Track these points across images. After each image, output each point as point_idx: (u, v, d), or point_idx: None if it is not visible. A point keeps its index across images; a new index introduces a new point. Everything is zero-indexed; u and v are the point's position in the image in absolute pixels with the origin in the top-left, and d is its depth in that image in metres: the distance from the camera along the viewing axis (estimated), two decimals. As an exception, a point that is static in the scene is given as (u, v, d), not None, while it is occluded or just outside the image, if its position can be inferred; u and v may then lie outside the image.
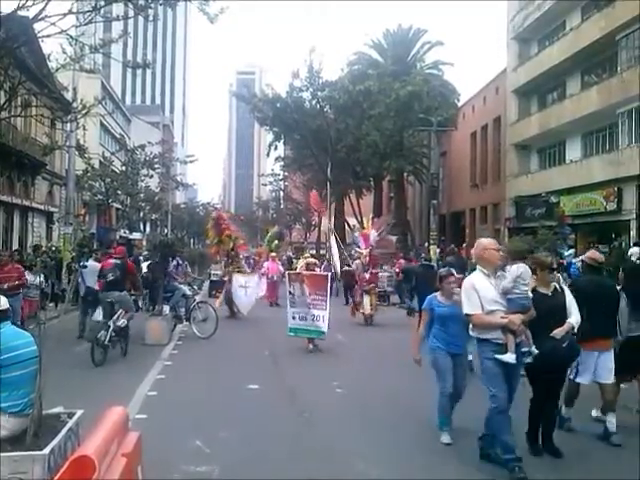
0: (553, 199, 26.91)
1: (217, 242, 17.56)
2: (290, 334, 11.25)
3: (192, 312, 12.88)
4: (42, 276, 14.72)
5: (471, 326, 5.28)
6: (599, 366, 5.94)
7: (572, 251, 20.89)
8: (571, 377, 6.02)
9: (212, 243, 18.08)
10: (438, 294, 6.16)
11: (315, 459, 5.31)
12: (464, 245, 29.87)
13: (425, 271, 14.59)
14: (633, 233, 23.19)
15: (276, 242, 24.63)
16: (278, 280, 19.52)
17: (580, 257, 9.84)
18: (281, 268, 20.60)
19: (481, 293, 5.09)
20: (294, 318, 11.27)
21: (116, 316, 10.18)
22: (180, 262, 14.87)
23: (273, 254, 21.46)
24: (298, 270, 16.33)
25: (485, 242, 5.43)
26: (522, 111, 33.06)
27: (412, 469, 5.11)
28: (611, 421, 5.85)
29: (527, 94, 33.21)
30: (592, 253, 6.80)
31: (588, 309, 5.71)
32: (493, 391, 4.98)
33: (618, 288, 6.48)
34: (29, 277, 12.78)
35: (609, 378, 5.92)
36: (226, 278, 17.23)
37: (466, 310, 5.17)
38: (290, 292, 11.51)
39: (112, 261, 11.07)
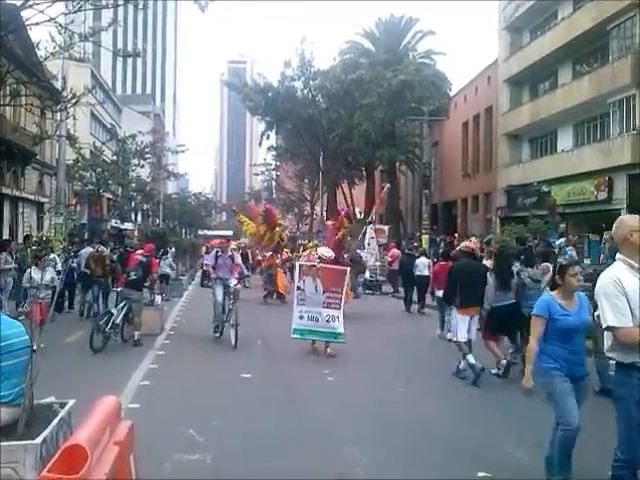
0: (544, 188, 27.00)
1: (270, 234, 18.08)
2: (295, 336, 9.82)
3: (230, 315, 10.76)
4: (51, 272, 12.51)
5: (609, 343, 3.71)
6: (471, 328, 7.93)
7: (563, 240, 21.01)
8: (449, 337, 8.20)
9: (265, 235, 18.23)
10: (557, 295, 4.44)
11: (307, 447, 5.35)
12: (455, 234, 30.02)
13: (408, 260, 16.20)
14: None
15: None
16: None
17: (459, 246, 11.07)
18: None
19: (631, 295, 3.54)
20: (301, 318, 9.80)
21: (121, 311, 10.36)
22: (219, 252, 11.82)
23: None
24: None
25: (629, 221, 3.81)
26: (514, 101, 33.06)
27: (397, 453, 5.16)
28: (469, 359, 7.67)
29: (519, 84, 33.20)
30: (467, 243, 9.43)
31: (462, 284, 7.84)
32: (625, 438, 3.60)
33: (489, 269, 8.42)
34: (35, 275, 10.94)
35: (473, 335, 8.06)
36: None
37: (610, 321, 3.55)
38: (299, 287, 10.00)
39: (137, 258, 11.07)
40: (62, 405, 3.57)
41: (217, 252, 11.84)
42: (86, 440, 2.05)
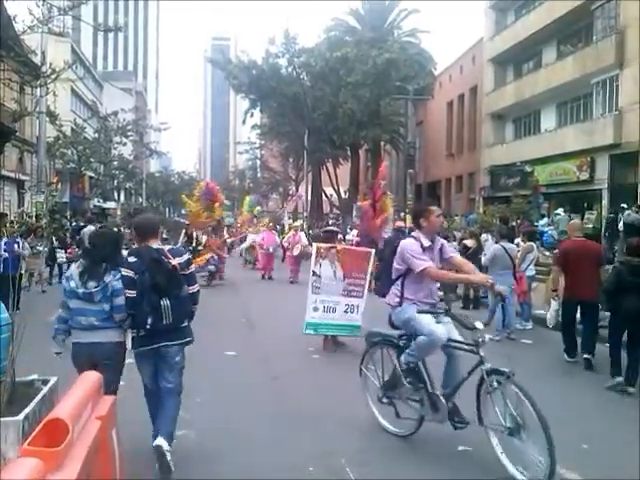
0: (527, 168, 27.18)
1: (209, 211, 17.36)
2: (309, 332, 8.46)
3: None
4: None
5: None
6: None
7: (545, 220, 21.23)
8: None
9: (203, 214, 17.24)
10: None
11: (290, 423, 5.41)
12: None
13: (396, 237, 17.65)
14: (605, 202, 23.59)
15: (258, 208, 24.40)
16: (274, 252, 19.07)
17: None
18: (277, 239, 19.65)
19: None
20: (316, 309, 8.40)
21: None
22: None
23: (271, 224, 21.07)
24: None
25: None
26: (498, 80, 33.08)
27: (383, 435, 5.24)
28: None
29: (503, 63, 33.19)
30: (398, 222, 13.38)
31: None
32: None
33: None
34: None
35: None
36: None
37: None
38: (315, 272, 8.46)
39: None
40: (44, 382, 3.58)
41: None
42: (67, 414, 2.06)
